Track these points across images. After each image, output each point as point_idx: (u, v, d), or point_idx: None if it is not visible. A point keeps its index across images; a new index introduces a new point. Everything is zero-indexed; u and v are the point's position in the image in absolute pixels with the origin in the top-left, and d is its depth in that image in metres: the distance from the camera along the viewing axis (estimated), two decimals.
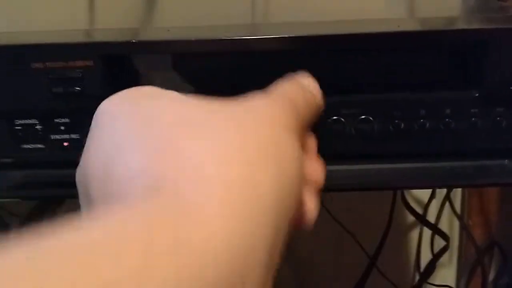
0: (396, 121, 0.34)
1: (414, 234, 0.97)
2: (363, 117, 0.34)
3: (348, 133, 0.34)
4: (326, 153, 0.35)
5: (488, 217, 0.86)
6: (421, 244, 0.95)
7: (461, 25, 0.34)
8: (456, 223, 0.97)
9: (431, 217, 0.91)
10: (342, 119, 0.34)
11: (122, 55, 0.33)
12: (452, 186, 0.66)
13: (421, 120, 0.34)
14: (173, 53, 0.33)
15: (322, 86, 0.33)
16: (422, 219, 0.81)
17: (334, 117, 0.34)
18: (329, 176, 0.34)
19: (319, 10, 0.44)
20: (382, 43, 0.32)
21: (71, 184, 0.36)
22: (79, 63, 0.33)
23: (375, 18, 0.36)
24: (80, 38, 0.34)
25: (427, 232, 0.94)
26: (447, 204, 0.83)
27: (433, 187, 0.63)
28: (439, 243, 0.89)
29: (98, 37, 0.34)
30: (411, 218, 0.97)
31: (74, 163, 0.36)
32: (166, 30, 0.35)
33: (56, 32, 0.36)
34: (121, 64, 0.33)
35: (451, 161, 0.33)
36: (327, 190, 0.34)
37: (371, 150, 0.35)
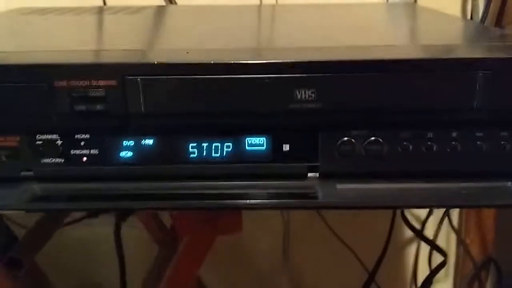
0: (405, 143, 0.36)
1: (412, 249, 0.99)
2: (373, 138, 0.36)
3: (358, 153, 0.36)
4: (337, 172, 0.37)
5: (485, 234, 0.88)
6: (418, 259, 0.96)
7: (465, 53, 0.36)
8: (453, 240, 0.98)
9: (428, 232, 0.93)
10: (353, 140, 0.36)
11: (146, 76, 0.34)
12: (458, 207, 0.67)
13: (429, 143, 0.35)
14: (198, 75, 0.34)
15: (333, 107, 0.35)
16: (420, 235, 0.82)
17: (345, 138, 0.36)
18: (339, 194, 0.36)
19: (326, 36, 0.46)
20: (392, 69, 0.34)
21: (88, 197, 0.38)
22: (103, 82, 0.35)
23: (382, 44, 0.38)
24: (102, 59, 0.35)
25: (424, 248, 0.96)
26: (445, 220, 0.85)
27: (439, 207, 0.65)
28: (436, 258, 0.91)
29: (120, 58, 0.35)
30: (408, 233, 0.98)
31: (92, 177, 0.38)
32: (185, 52, 0.36)
33: (76, 52, 0.37)
34: (144, 85, 0.34)
35: (457, 182, 0.35)
36: (336, 208, 0.36)
37: (380, 170, 0.36)
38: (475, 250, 0.88)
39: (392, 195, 0.35)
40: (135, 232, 0.97)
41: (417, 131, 0.35)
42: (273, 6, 0.79)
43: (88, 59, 0.35)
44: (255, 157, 0.37)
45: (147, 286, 0.86)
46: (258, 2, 0.85)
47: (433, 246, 0.80)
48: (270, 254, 1.03)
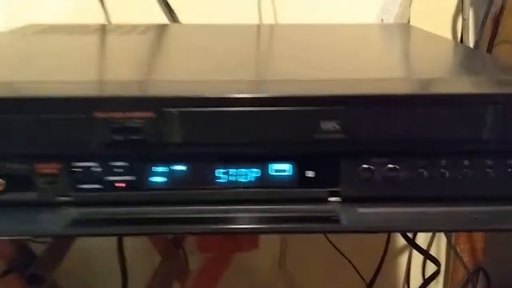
0: (420, 170, 0.39)
1: (404, 258, 1.02)
2: (391, 166, 0.39)
3: (377, 179, 0.39)
4: (357, 197, 0.40)
5: (474, 244, 0.92)
6: (410, 268, 0.99)
7: (477, 89, 0.39)
8: (443, 249, 1.02)
9: (418, 241, 0.96)
10: (372, 167, 0.39)
11: (182, 109, 0.37)
12: (470, 231, 0.71)
13: (442, 170, 0.38)
14: (230, 107, 0.37)
15: (355, 137, 0.38)
16: (414, 245, 0.85)
17: (365, 165, 0.39)
18: (361, 218, 0.39)
19: (336, 66, 0.49)
20: (409, 103, 0.37)
21: (124, 221, 0.40)
22: (140, 114, 0.37)
23: (396, 77, 0.41)
24: (138, 91, 0.37)
25: (416, 257, 0.99)
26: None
27: (453, 231, 0.68)
28: (427, 267, 0.94)
29: (156, 91, 0.37)
30: (400, 242, 1.02)
31: (127, 202, 0.40)
32: (216, 85, 0.39)
33: (111, 83, 0.39)
34: (180, 117, 0.37)
35: (469, 207, 0.38)
36: (358, 232, 0.39)
37: (398, 194, 0.39)
38: (465, 259, 0.92)
39: (409, 219, 0.38)
40: (136, 243, 0.99)
41: (431, 159, 0.38)
42: (272, 26, 0.82)
43: (126, 91, 0.37)
44: (280, 183, 0.40)
45: None
46: (257, 22, 0.88)
47: (427, 255, 0.83)
48: (266, 263, 1.05)
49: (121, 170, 0.39)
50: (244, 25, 0.79)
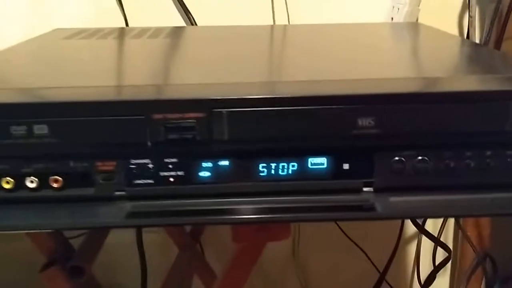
0: (447, 161, 0.42)
1: (413, 246, 1.06)
2: (420, 157, 0.42)
3: (408, 170, 0.43)
4: (389, 187, 0.43)
5: (481, 231, 0.96)
6: (420, 255, 1.03)
7: (500, 86, 0.43)
8: (450, 236, 1.06)
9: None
10: (403, 159, 0.42)
11: (230, 109, 0.40)
12: (492, 215, 0.75)
13: (467, 160, 0.42)
14: (274, 107, 0.40)
15: (389, 132, 0.41)
16: (424, 232, 0.89)
17: (397, 158, 0.42)
18: (393, 206, 0.43)
19: (361, 66, 0.53)
20: (438, 100, 0.41)
21: (175, 213, 0.43)
22: (193, 114, 0.40)
23: (426, 76, 0.45)
24: (192, 94, 0.41)
25: (424, 243, 1.03)
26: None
27: (477, 216, 0.72)
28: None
29: (209, 94, 0.41)
30: (409, 231, 1.06)
31: (178, 196, 0.44)
32: (257, 85, 0.42)
33: (168, 86, 0.43)
34: (228, 116, 0.40)
35: (492, 193, 0.42)
36: (392, 218, 0.42)
37: (426, 184, 0.43)
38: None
39: (438, 206, 0.42)
40: (154, 237, 1.02)
41: (458, 151, 0.42)
42: (285, 26, 0.86)
43: (180, 94, 0.40)
44: (317, 175, 0.44)
45: (169, 285, 0.91)
46: (270, 22, 0.91)
47: (438, 242, 0.87)
48: (280, 253, 1.09)
49: (172, 166, 0.43)
50: (259, 26, 0.82)
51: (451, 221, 0.99)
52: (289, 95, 0.40)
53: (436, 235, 0.92)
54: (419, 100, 0.41)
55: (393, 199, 0.43)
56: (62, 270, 0.57)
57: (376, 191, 0.43)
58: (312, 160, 0.43)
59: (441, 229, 0.94)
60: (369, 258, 0.96)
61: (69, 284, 0.58)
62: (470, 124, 0.41)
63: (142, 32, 0.72)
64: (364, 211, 0.43)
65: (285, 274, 1.08)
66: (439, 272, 0.97)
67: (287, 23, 0.90)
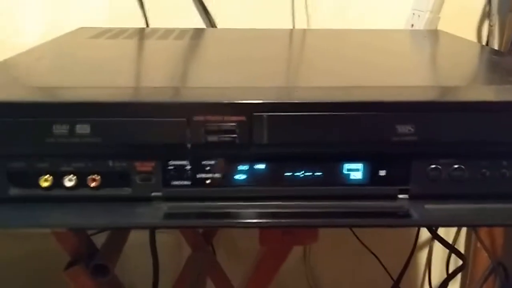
0: (483, 170, 0.43)
1: (424, 253, 1.06)
2: (456, 166, 0.43)
3: (444, 178, 0.43)
4: (424, 194, 0.44)
5: (495, 240, 0.96)
6: (431, 262, 1.04)
7: None
8: (462, 244, 1.07)
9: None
10: (440, 167, 0.43)
11: (270, 113, 0.40)
12: None
13: (503, 170, 0.42)
14: (313, 112, 0.40)
15: (427, 140, 0.41)
16: (439, 239, 0.89)
17: (433, 166, 0.43)
18: (428, 213, 0.43)
19: (393, 72, 0.53)
20: (476, 109, 0.41)
21: (210, 215, 0.43)
22: (234, 118, 0.40)
23: (463, 85, 0.45)
24: (234, 98, 0.41)
25: (436, 251, 1.03)
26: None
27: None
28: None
29: (249, 97, 0.41)
30: (422, 236, 1.05)
31: (215, 198, 0.44)
32: (301, 90, 0.43)
33: (209, 89, 0.43)
34: (268, 120, 0.40)
35: None
36: (423, 225, 0.42)
37: (462, 192, 0.43)
38: (485, 254, 0.97)
39: (472, 214, 0.42)
40: (167, 238, 1.02)
41: (494, 160, 0.42)
42: (305, 31, 0.86)
43: (222, 97, 0.41)
44: (353, 181, 0.44)
45: (181, 286, 0.91)
46: (290, 26, 0.91)
47: (452, 250, 0.87)
48: (290, 257, 1.09)
49: (209, 168, 0.43)
50: (280, 29, 0.82)
51: (464, 229, 1.00)
52: (331, 101, 0.40)
53: (452, 242, 0.92)
54: (459, 108, 0.41)
55: (428, 206, 0.43)
56: (86, 268, 0.57)
57: (411, 198, 0.44)
58: (348, 166, 0.44)
59: (456, 236, 0.94)
60: (382, 265, 0.96)
61: (93, 282, 0.58)
62: (508, 133, 0.41)
63: (166, 33, 0.72)
64: (399, 217, 0.43)
65: (295, 279, 1.08)
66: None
67: (306, 27, 0.90)
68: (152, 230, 0.92)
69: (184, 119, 0.40)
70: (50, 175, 0.42)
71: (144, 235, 0.93)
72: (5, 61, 0.53)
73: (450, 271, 0.92)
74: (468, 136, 0.42)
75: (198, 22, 0.89)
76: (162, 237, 0.97)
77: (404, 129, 0.41)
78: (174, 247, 1.05)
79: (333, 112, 0.41)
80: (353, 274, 1.07)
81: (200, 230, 0.97)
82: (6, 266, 1.01)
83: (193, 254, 0.94)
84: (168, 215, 0.42)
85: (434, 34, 0.78)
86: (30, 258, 1.00)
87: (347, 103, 0.41)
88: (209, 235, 0.98)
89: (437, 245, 1.02)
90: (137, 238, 0.99)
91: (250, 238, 1.05)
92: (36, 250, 0.97)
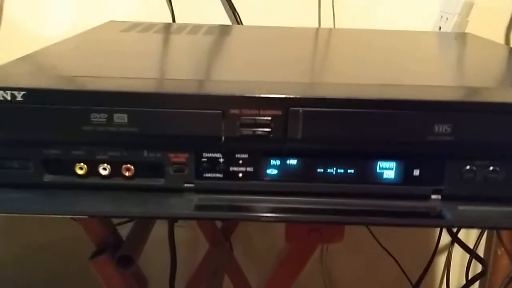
0: None
1: (443, 256, 1.05)
2: (491, 168, 0.42)
3: (478, 179, 0.42)
4: (458, 195, 0.43)
5: None
6: (450, 267, 1.03)
7: None
8: (482, 249, 1.05)
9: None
10: (475, 168, 0.42)
11: (306, 108, 0.40)
12: None
13: None
14: (350, 109, 0.40)
15: (463, 140, 0.41)
16: (461, 243, 0.88)
17: (468, 167, 0.42)
18: (462, 215, 0.42)
19: (426, 73, 0.53)
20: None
21: (241, 209, 0.43)
22: (270, 112, 0.40)
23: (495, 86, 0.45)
24: (270, 92, 0.41)
25: (455, 255, 1.03)
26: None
27: None
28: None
29: (286, 92, 0.41)
30: (441, 240, 1.04)
31: (245, 192, 0.44)
32: (332, 87, 0.43)
33: (244, 83, 0.43)
34: (304, 115, 0.40)
35: None
36: (455, 227, 0.42)
37: (496, 194, 0.43)
38: (506, 261, 0.96)
39: (506, 217, 0.42)
40: (185, 233, 1.03)
41: None
42: (331, 30, 0.86)
43: (258, 91, 0.41)
44: (386, 179, 0.44)
45: (197, 280, 0.92)
46: (316, 25, 0.91)
47: (473, 255, 0.86)
48: None
49: (242, 161, 0.43)
50: (306, 28, 0.82)
51: (485, 234, 0.98)
52: (368, 98, 0.40)
53: (473, 247, 0.91)
54: (497, 110, 0.40)
55: (461, 207, 0.42)
56: (112, 258, 0.58)
57: (444, 198, 0.43)
58: (381, 164, 0.44)
59: (477, 241, 0.93)
60: (401, 268, 0.96)
61: (118, 273, 0.58)
62: None
63: (195, 29, 0.72)
64: (432, 218, 0.42)
65: (311, 279, 1.08)
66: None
67: (332, 26, 0.90)
68: (171, 224, 0.93)
69: (220, 111, 0.40)
70: (86, 163, 0.42)
71: (163, 229, 0.94)
72: (41, 50, 0.54)
73: (470, 276, 0.92)
74: (505, 138, 0.41)
75: (223, 18, 0.89)
76: (179, 231, 0.97)
77: (441, 128, 0.41)
78: (191, 243, 1.05)
79: (369, 109, 0.40)
80: (370, 277, 1.06)
81: (220, 226, 0.97)
82: (32, 253, 1.03)
83: (211, 250, 0.95)
84: (199, 207, 0.42)
85: (463, 37, 0.78)
86: (55, 246, 1.01)
87: (384, 101, 0.40)
88: (228, 232, 0.98)
89: (456, 250, 1.01)
90: (156, 233, 0.99)
91: (268, 237, 1.06)
92: (62, 238, 0.99)
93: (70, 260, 0.99)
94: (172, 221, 0.92)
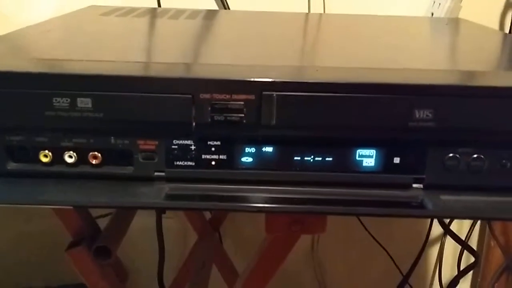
0: (504, 160, 0.40)
1: (436, 248, 1.04)
2: (476, 155, 0.40)
3: (461, 168, 0.41)
4: (440, 184, 0.41)
5: (509, 237, 0.93)
6: (442, 258, 1.01)
7: None
8: (474, 241, 1.04)
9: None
10: (458, 156, 0.40)
11: (281, 92, 0.38)
12: None
13: None
14: (326, 93, 0.38)
15: (445, 126, 0.39)
16: (453, 235, 0.86)
17: (451, 154, 0.40)
18: (444, 205, 0.41)
19: (416, 56, 0.51)
20: (499, 95, 0.39)
21: (213, 198, 0.42)
22: (242, 96, 0.38)
23: (486, 70, 0.43)
24: (243, 75, 0.39)
25: (448, 247, 1.01)
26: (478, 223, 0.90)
27: None
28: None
29: (259, 75, 0.39)
30: (433, 232, 1.03)
31: (219, 180, 0.42)
32: (314, 70, 0.41)
33: (216, 66, 0.41)
34: (278, 100, 0.38)
35: None
36: (437, 217, 0.40)
37: (480, 183, 0.41)
38: (498, 252, 0.94)
39: (491, 207, 0.40)
40: (170, 221, 1.01)
41: None
42: (321, 15, 0.84)
43: (230, 75, 0.39)
44: (365, 168, 0.42)
45: (186, 272, 0.91)
46: (306, 10, 0.89)
47: (465, 246, 0.85)
48: (298, 247, 1.07)
49: (215, 149, 0.41)
50: (295, 13, 0.80)
51: (478, 225, 0.97)
52: (345, 81, 0.38)
53: (465, 239, 0.90)
54: (481, 94, 0.38)
55: (444, 197, 0.41)
56: (88, 249, 0.56)
57: (426, 188, 0.41)
58: (360, 152, 0.42)
59: (469, 233, 0.91)
60: (392, 259, 0.94)
61: (95, 264, 0.57)
62: None
63: (178, 13, 0.70)
64: (413, 208, 0.41)
65: (302, 270, 1.07)
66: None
67: (322, 12, 0.87)
68: (159, 215, 0.91)
69: (190, 96, 0.38)
70: (50, 150, 0.40)
71: (150, 220, 0.92)
72: (13, 32, 0.52)
73: (462, 268, 0.90)
74: (489, 124, 0.39)
75: (211, 3, 0.87)
76: (168, 222, 0.95)
77: (422, 114, 0.38)
78: (180, 233, 1.03)
79: (347, 94, 0.38)
80: (361, 268, 1.05)
81: (208, 217, 0.96)
82: (9, 244, 1.01)
83: (200, 241, 0.93)
84: (170, 196, 0.41)
85: (455, 22, 0.75)
86: (33, 237, 1.00)
87: (362, 84, 0.38)
88: (216, 223, 0.97)
89: (448, 241, 0.99)
90: (143, 224, 0.98)
91: (257, 227, 1.04)
92: (39, 229, 0.97)
93: (48, 251, 0.98)
94: (160, 211, 0.90)
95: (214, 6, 0.87)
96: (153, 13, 0.71)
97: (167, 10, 0.73)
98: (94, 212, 0.62)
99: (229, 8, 0.86)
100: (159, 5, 0.86)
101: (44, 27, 0.57)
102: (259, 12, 0.78)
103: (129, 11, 0.69)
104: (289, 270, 1.06)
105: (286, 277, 1.06)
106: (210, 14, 0.73)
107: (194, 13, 0.70)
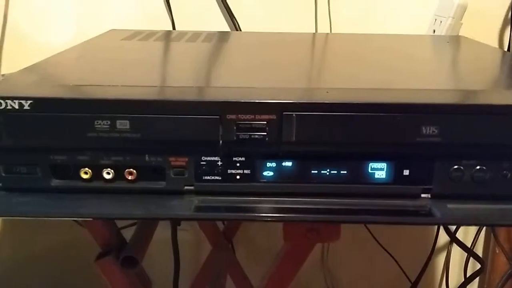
0: (504, 171, 0.44)
1: (443, 255, 1.07)
2: (478, 167, 0.44)
3: (466, 179, 0.44)
4: (446, 194, 0.45)
5: None
6: (449, 266, 1.04)
7: None
8: (480, 247, 1.07)
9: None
10: (462, 168, 0.44)
11: (300, 112, 0.42)
12: None
13: None
14: (341, 113, 0.42)
15: (450, 141, 0.43)
16: (458, 242, 0.89)
17: (456, 166, 0.44)
18: (451, 213, 0.44)
19: (420, 76, 0.55)
20: (499, 112, 0.43)
21: (239, 209, 0.45)
22: (265, 116, 0.42)
23: (487, 89, 0.47)
24: (265, 97, 0.43)
25: (454, 254, 1.04)
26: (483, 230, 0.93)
27: None
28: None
29: (280, 97, 0.43)
30: (440, 239, 1.06)
31: (243, 193, 0.46)
32: (325, 92, 0.45)
33: (241, 89, 0.45)
34: (298, 119, 0.42)
35: None
36: (444, 224, 0.44)
37: (483, 193, 0.45)
38: (503, 258, 0.97)
39: (494, 215, 0.44)
40: (188, 235, 1.05)
41: None
42: (328, 35, 0.88)
43: (253, 97, 0.43)
44: (377, 180, 0.45)
45: (201, 281, 0.93)
46: (313, 30, 0.93)
47: (471, 253, 0.88)
48: (309, 258, 1.10)
49: (240, 164, 0.45)
50: (303, 33, 0.84)
51: (483, 233, 1.00)
52: (358, 101, 0.42)
53: (471, 246, 0.93)
54: (482, 111, 0.42)
55: (451, 206, 0.44)
56: (116, 259, 0.60)
57: (433, 197, 0.45)
58: (373, 165, 0.45)
59: (475, 240, 0.95)
60: (400, 267, 0.97)
61: (123, 273, 0.60)
62: None
63: (194, 36, 0.74)
64: (422, 216, 0.44)
65: (312, 279, 1.10)
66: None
67: (329, 31, 0.92)
68: (174, 227, 0.95)
69: (217, 117, 0.42)
70: (90, 168, 0.44)
71: (166, 232, 0.96)
72: (46, 60, 0.56)
73: (468, 275, 0.93)
74: (490, 138, 0.43)
75: (222, 25, 0.91)
76: (183, 234, 0.99)
77: (429, 130, 0.42)
78: (194, 245, 1.07)
79: (360, 112, 0.42)
80: (370, 276, 1.08)
81: (221, 228, 0.99)
82: (36, 258, 1.05)
83: (214, 252, 0.97)
84: (199, 208, 0.45)
85: (456, 40, 0.79)
86: (61, 249, 1.03)
87: (374, 104, 0.42)
88: (229, 233, 1.00)
89: (455, 249, 1.02)
90: (159, 236, 1.01)
91: (269, 238, 1.08)
92: (68, 241, 1.00)
93: (73, 264, 1.01)
94: (175, 224, 0.94)
95: (226, 27, 0.92)
96: (171, 37, 0.75)
97: (183, 33, 0.77)
98: (121, 223, 0.66)
99: (240, 29, 0.91)
100: (173, 27, 0.91)
101: (71, 54, 0.61)
102: (268, 33, 0.82)
103: (148, 35, 0.73)
104: (300, 278, 1.09)
105: (298, 285, 1.09)
106: (223, 36, 0.77)
107: (209, 36, 0.74)
